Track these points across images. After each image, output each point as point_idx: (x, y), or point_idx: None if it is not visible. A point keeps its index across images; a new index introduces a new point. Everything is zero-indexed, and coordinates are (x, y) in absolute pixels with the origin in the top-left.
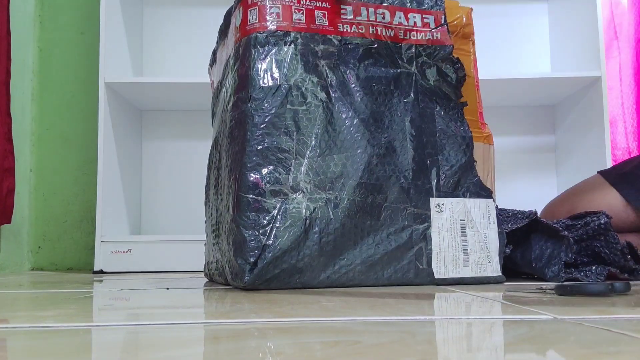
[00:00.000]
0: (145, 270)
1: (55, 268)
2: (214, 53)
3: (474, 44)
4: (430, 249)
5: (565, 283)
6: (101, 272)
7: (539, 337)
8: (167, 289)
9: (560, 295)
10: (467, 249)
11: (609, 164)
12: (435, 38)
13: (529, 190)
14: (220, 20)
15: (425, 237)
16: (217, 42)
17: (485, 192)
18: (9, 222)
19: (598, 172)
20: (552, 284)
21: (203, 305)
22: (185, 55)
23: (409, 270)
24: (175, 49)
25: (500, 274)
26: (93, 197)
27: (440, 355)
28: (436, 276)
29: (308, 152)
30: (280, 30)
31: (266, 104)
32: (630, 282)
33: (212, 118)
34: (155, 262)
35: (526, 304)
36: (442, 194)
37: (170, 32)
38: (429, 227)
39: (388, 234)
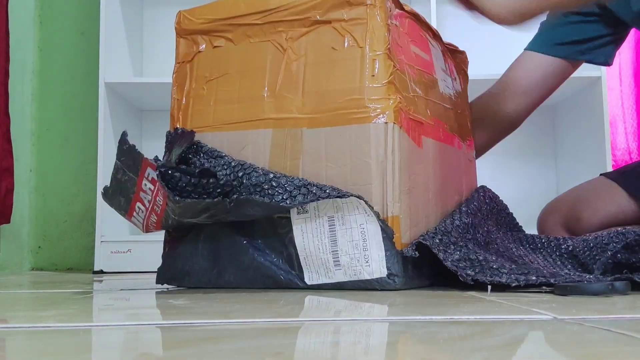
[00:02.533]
0: (145, 270)
1: (55, 268)
2: None
3: (382, 8)
4: (297, 254)
5: (565, 283)
6: (101, 272)
7: (539, 337)
8: (167, 289)
9: (560, 295)
10: (336, 250)
11: (609, 164)
12: None
13: (528, 190)
14: None
15: (292, 242)
16: None
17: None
18: (8, 222)
19: (601, 174)
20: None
21: (203, 305)
22: None
23: (284, 276)
24: (175, 49)
25: (385, 275)
26: (93, 197)
27: (437, 354)
28: (308, 282)
29: None
30: None
31: None
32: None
33: None
34: (155, 262)
35: (526, 304)
36: None
37: (170, 32)
38: (290, 230)
39: (261, 242)
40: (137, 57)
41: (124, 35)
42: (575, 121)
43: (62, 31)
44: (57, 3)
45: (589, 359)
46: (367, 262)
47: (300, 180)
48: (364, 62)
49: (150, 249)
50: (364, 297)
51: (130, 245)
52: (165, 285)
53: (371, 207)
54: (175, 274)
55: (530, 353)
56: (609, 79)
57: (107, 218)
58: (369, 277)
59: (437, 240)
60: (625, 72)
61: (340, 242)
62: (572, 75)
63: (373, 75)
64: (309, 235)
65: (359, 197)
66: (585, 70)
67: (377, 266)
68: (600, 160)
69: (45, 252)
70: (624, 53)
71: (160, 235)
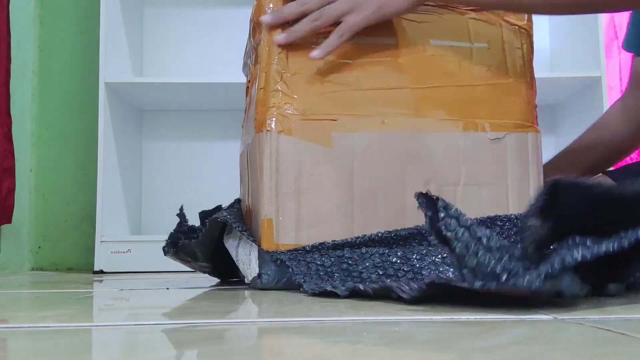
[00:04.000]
0: (145, 270)
1: (55, 268)
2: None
3: None
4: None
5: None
6: (101, 272)
7: (539, 337)
8: (167, 289)
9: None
10: (238, 260)
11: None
12: None
13: None
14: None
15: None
16: None
17: None
18: (9, 222)
19: (603, 172)
20: None
21: (203, 305)
22: (186, 55)
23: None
24: (175, 49)
25: (256, 274)
26: (93, 197)
27: (437, 354)
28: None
29: None
30: None
31: None
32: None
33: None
34: (155, 262)
35: (526, 304)
36: None
37: (171, 32)
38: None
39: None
40: (137, 57)
41: (124, 35)
42: (575, 121)
43: (62, 31)
44: (57, 3)
45: (589, 359)
46: (249, 265)
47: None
48: (260, 79)
49: (150, 249)
50: (359, 297)
51: (130, 245)
52: (166, 286)
53: (242, 232)
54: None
55: (530, 353)
56: (609, 79)
57: (107, 218)
58: (250, 278)
59: (302, 262)
60: (625, 72)
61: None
62: (572, 75)
63: (262, 89)
64: (231, 249)
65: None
66: (585, 70)
67: (254, 267)
68: None
69: (45, 252)
70: (624, 52)
71: (160, 236)
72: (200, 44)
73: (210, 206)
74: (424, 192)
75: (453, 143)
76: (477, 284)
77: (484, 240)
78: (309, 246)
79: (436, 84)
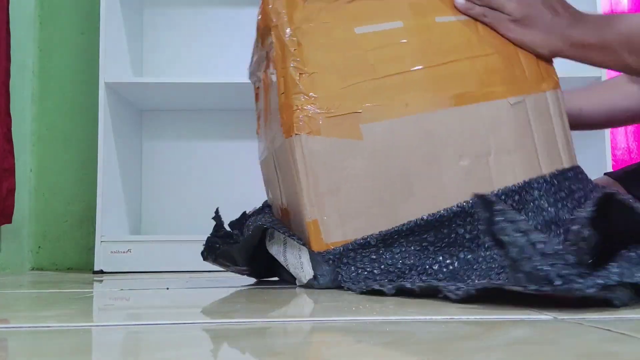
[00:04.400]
0: (145, 270)
1: (55, 268)
2: None
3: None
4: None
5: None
6: (101, 272)
7: (539, 337)
8: (167, 289)
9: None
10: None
11: (609, 164)
12: None
13: None
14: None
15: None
16: None
17: None
18: (10, 222)
19: (605, 174)
20: None
21: (203, 305)
22: (186, 55)
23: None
24: (175, 49)
25: (312, 276)
26: (93, 197)
27: (437, 354)
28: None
29: None
30: None
31: None
32: None
33: None
34: (155, 262)
35: (526, 304)
36: None
37: (171, 32)
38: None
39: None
40: (137, 57)
41: (124, 35)
42: None
43: (62, 31)
44: (57, 3)
45: (589, 359)
46: (302, 268)
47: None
48: (279, 84)
49: (150, 249)
50: (359, 297)
51: (130, 245)
52: (165, 285)
53: (288, 236)
54: None
55: (530, 353)
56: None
57: (107, 218)
58: (304, 281)
59: (352, 267)
60: None
61: (289, 259)
62: (572, 75)
63: (283, 94)
64: (278, 255)
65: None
66: (585, 70)
67: (308, 270)
68: (600, 160)
69: (45, 252)
70: None
71: (160, 236)
72: (200, 44)
73: (210, 206)
74: (478, 194)
75: (477, 114)
76: (532, 288)
77: (540, 246)
78: (356, 242)
79: (450, 59)
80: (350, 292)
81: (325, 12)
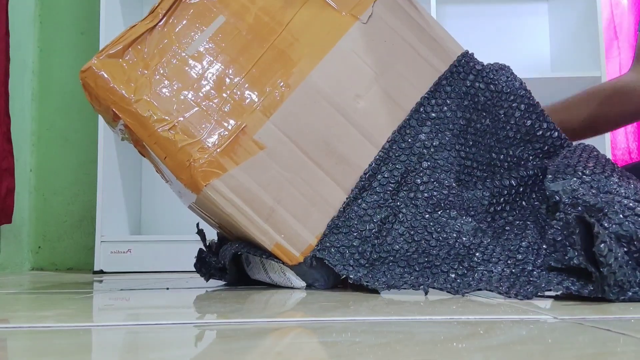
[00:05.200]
0: (145, 270)
1: (55, 268)
2: None
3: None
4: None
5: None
6: (101, 272)
7: (539, 337)
8: (167, 289)
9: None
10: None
11: None
12: None
13: None
14: None
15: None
16: None
17: None
18: (9, 222)
19: None
20: None
21: (203, 305)
22: None
23: None
24: None
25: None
26: (93, 197)
27: (437, 354)
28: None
29: None
30: None
31: None
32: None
33: None
34: (155, 262)
35: (526, 304)
36: None
37: None
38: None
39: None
40: None
41: None
42: None
43: (62, 31)
44: (57, 3)
45: (589, 359)
46: (292, 283)
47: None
48: (155, 151)
49: (150, 249)
50: (359, 297)
51: (130, 245)
52: (166, 285)
53: (264, 257)
54: None
55: (530, 353)
56: (608, 79)
57: (107, 218)
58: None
59: (333, 250)
60: (626, 72)
61: (274, 278)
62: (572, 75)
63: (165, 158)
64: (264, 279)
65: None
66: (585, 70)
67: (299, 283)
68: None
69: (45, 252)
70: (624, 53)
71: (160, 236)
72: None
73: None
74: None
75: (342, 52)
76: (621, 297)
77: (624, 264)
78: (326, 230)
79: (285, 22)
80: (348, 290)
81: (147, 54)
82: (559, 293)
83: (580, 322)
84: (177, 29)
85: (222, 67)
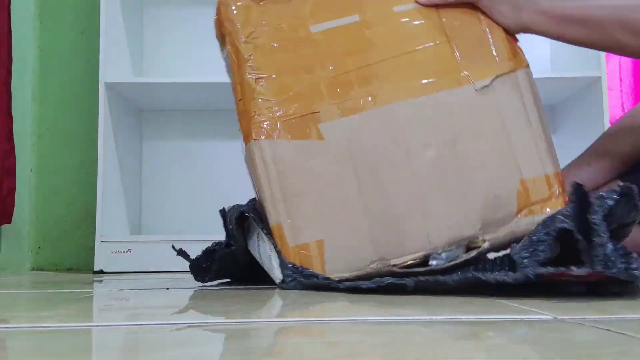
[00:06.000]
0: (145, 270)
1: (55, 268)
2: None
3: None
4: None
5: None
6: (101, 272)
7: (539, 337)
8: (167, 289)
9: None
10: (262, 262)
11: None
12: None
13: None
14: None
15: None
16: None
17: None
18: (10, 222)
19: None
20: None
21: (203, 305)
22: (186, 55)
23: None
24: (175, 49)
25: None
26: (93, 197)
27: (438, 354)
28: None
29: None
30: None
31: None
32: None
33: None
34: (155, 262)
35: (526, 304)
36: None
37: (171, 32)
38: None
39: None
40: (137, 57)
41: (124, 35)
42: (576, 121)
43: (62, 31)
44: (57, 3)
45: (589, 359)
46: (273, 271)
47: None
48: (236, 91)
49: (150, 249)
50: (359, 297)
51: (130, 245)
52: (166, 285)
53: (261, 229)
54: None
55: (530, 353)
56: (609, 79)
57: (107, 218)
58: (277, 282)
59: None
60: (625, 72)
61: (262, 256)
62: (572, 75)
63: (240, 100)
64: (254, 252)
65: (261, 227)
66: (585, 70)
67: (277, 273)
68: None
69: (45, 252)
70: None
71: (160, 236)
72: (201, 43)
73: (209, 206)
74: (574, 185)
75: (439, 103)
76: (607, 272)
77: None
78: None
79: (411, 48)
80: (345, 292)
81: (280, 14)
82: (553, 272)
83: (580, 322)
84: (313, 6)
85: (335, 54)
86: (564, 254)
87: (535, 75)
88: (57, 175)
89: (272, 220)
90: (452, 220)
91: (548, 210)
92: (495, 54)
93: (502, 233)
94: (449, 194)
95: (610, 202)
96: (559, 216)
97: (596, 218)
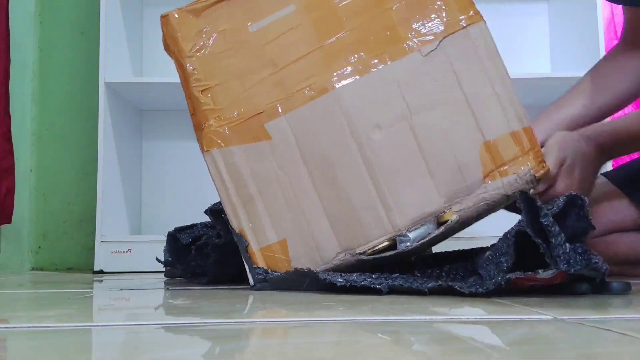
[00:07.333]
0: (145, 270)
1: (55, 268)
2: None
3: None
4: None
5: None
6: (101, 272)
7: (539, 337)
8: (167, 289)
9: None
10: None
11: (609, 163)
12: None
13: None
14: None
15: None
16: None
17: None
18: (9, 222)
19: (602, 174)
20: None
21: (202, 305)
22: None
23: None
24: None
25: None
26: (93, 197)
27: (439, 354)
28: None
29: None
30: None
31: None
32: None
33: None
34: (155, 262)
35: (526, 304)
36: None
37: None
38: None
39: None
40: (137, 57)
41: (124, 35)
42: None
43: (62, 31)
44: (57, 3)
45: (589, 359)
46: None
47: None
48: (188, 105)
49: (150, 249)
50: (359, 297)
51: (130, 245)
52: (166, 286)
53: (234, 232)
54: None
55: (530, 353)
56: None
57: (107, 218)
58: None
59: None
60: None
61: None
62: (572, 75)
63: (192, 115)
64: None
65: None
66: (585, 70)
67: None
68: None
69: (45, 252)
70: None
71: (160, 236)
72: None
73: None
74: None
75: (384, 79)
76: (571, 269)
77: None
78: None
79: (348, 27)
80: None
81: (220, 20)
82: (521, 276)
83: (580, 322)
84: (250, 5)
85: (276, 49)
86: (534, 260)
87: (535, 75)
88: (57, 175)
89: (235, 225)
90: (412, 199)
91: (522, 168)
92: (444, 14)
93: (470, 202)
94: (406, 173)
95: (560, 204)
96: (514, 226)
97: (547, 221)
